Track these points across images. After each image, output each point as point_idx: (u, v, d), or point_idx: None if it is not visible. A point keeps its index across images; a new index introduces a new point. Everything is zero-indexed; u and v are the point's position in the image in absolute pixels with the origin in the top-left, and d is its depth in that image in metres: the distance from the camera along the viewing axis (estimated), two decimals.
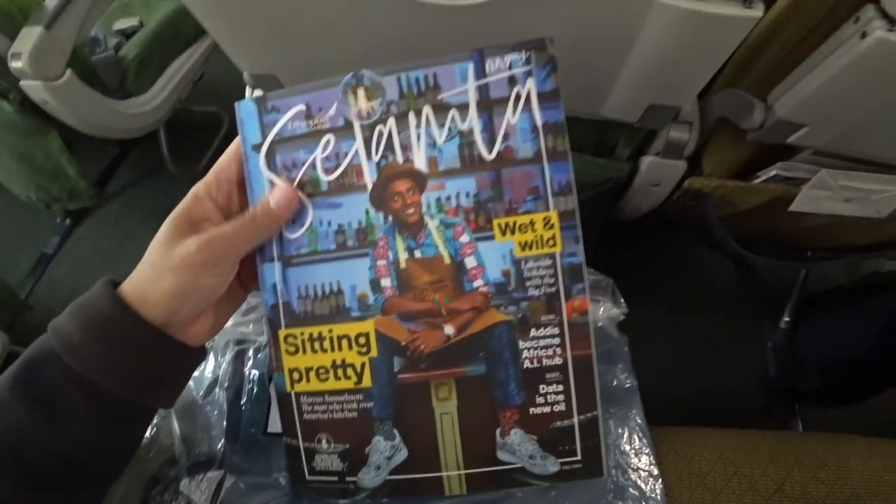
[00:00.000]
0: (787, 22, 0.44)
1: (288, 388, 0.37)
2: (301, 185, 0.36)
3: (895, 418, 1.10)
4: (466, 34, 0.43)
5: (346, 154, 0.36)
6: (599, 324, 0.49)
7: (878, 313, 0.91)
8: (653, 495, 0.39)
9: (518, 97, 0.34)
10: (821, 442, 0.66)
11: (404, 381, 0.36)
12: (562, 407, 0.35)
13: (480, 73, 0.34)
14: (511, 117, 0.34)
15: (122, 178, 1.53)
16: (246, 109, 0.37)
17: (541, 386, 0.35)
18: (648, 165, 0.63)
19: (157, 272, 0.33)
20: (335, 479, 0.37)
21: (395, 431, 0.36)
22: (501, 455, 0.36)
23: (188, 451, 0.44)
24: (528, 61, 0.34)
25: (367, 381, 0.36)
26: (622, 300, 0.48)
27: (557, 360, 0.35)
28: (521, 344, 0.35)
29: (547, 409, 0.35)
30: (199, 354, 0.37)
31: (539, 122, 0.34)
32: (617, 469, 0.40)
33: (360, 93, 0.35)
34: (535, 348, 0.35)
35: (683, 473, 0.62)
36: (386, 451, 0.36)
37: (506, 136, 0.34)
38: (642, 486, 0.39)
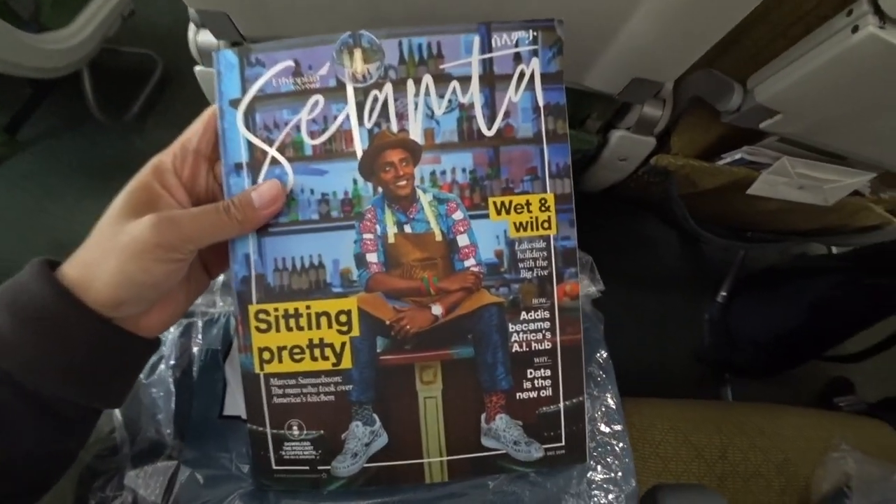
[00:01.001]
0: (778, 5, 0.43)
1: (256, 368, 0.34)
2: (282, 148, 0.33)
3: (811, 387, 1.22)
4: None
5: (335, 118, 0.33)
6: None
7: (805, 293, 0.99)
8: (623, 468, 0.40)
9: (522, 75, 0.33)
10: (759, 412, 0.71)
11: (387, 363, 0.34)
12: (548, 392, 0.35)
13: (486, 46, 0.33)
14: (513, 95, 0.33)
15: (38, 126, 1.36)
16: (225, 60, 0.33)
17: (528, 371, 0.35)
18: (618, 139, 0.63)
19: (103, 253, 0.28)
20: (306, 468, 0.35)
21: (375, 416, 0.34)
22: (486, 441, 0.35)
23: (131, 438, 0.39)
24: (534, 41, 0.33)
25: (346, 363, 0.34)
26: (599, 277, 0.47)
27: (546, 345, 0.34)
28: (511, 327, 0.34)
29: (534, 395, 0.35)
30: (152, 346, 0.33)
31: (541, 103, 0.33)
32: (594, 445, 0.41)
33: (357, 54, 0.33)
34: (525, 332, 0.34)
35: (638, 443, 0.64)
36: (364, 437, 0.34)
37: (507, 114, 0.33)
38: (614, 460, 0.40)
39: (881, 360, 1.02)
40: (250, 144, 0.33)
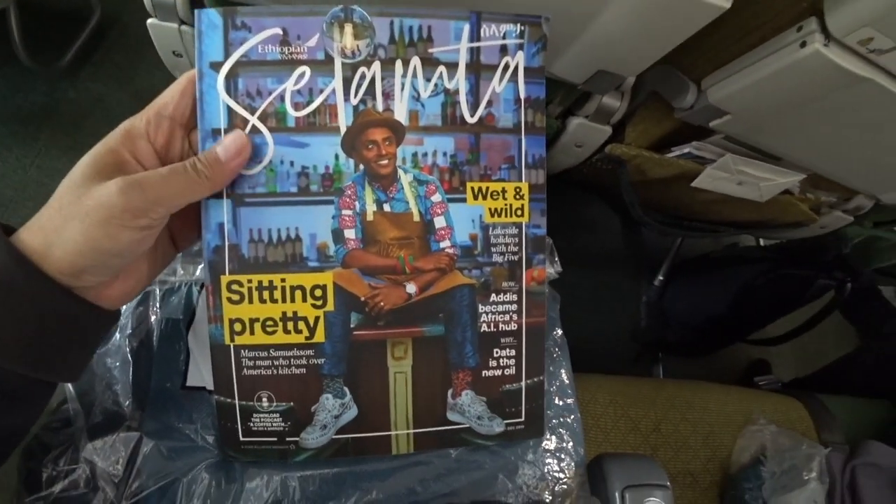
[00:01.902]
0: (736, 14, 0.46)
1: (227, 339, 0.34)
2: (264, 117, 0.32)
3: (735, 367, 1.32)
4: None
5: (321, 91, 0.32)
6: None
7: (735, 280, 1.07)
8: (574, 438, 0.43)
9: (507, 67, 0.34)
10: (689, 389, 0.77)
11: (360, 339, 0.35)
12: (512, 371, 0.37)
13: (475, 35, 0.33)
14: (497, 85, 0.34)
15: None
16: (208, 20, 0.31)
17: (495, 350, 0.36)
18: (576, 127, 0.65)
19: (64, 219, 0.26)
20: (274, 439, 0.35)
21: (346, 389, 0.35)
22: (451, 415, 0.37)
23: (86, 411, 0.38)
24: (521, 35, 0.34)
25: (319, 336, 0.34)
26: (557, 260, 0.50)
27: (513, 326, 0.36)
28: (481, 308, 0.36)
29: (498, 373, 0.37)
30: (112, 318, 0.31)
31: (522, 95, 0.34)
32: (549, 415, 0.44)
33: (348, 29, 0.32)
34: (494, 313, 0.36)
35: (581, 416, 0.68)
36: (334, 409, 0.35)
37: (489, 103, 0.34)
38: (566, 431, 0.43)
39: (796, 344, 1.13)
40: (230, 110, 0.32)
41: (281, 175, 0.33)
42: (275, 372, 0.34)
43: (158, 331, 0.43)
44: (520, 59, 0.34)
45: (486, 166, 0.35)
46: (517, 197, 0.35)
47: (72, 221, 0.26)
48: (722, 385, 0.81)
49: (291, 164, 0.33)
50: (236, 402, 0.34)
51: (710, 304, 1.10)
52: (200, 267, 0.44)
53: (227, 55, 0.32)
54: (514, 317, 0.36)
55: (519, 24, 0.34)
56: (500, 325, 0.36)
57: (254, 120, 0.32)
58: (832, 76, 0.43)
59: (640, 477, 0.43)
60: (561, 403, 0.45)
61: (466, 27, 0.33)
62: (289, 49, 0.32)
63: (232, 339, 0.34)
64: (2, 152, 1.15)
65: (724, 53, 0.50)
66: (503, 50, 0.34)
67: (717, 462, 0.73)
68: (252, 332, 0.34)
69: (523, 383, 0.37)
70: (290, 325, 0.34)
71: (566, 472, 0.42)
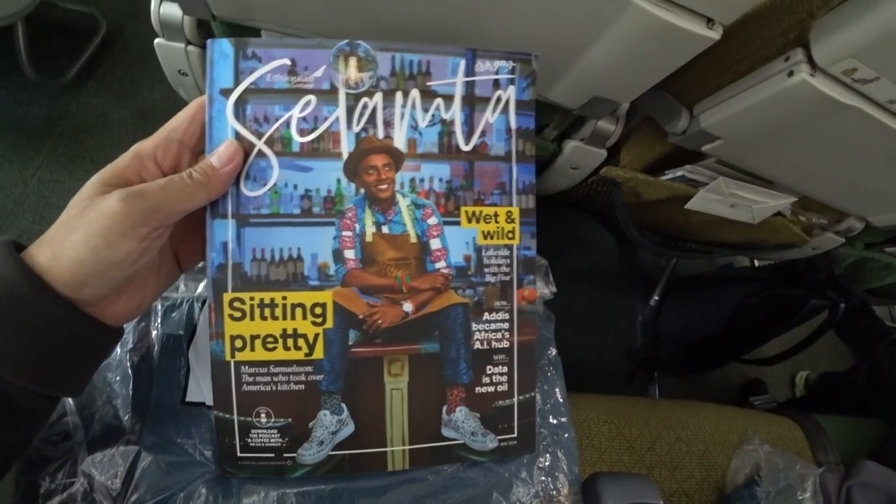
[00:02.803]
0: (725, 44, 0.48)
1: (227, 356, 0.34)
2: (270, 141, 0.34)
3: (731, 387, 1.33)
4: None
5: (325, 119, 0.34)
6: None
7: (728, 300, 1.08)
8: (568, 456, 0.43)
9: (499, 100, 0.36)
10: (684, 408, 0.77)
11: (358, 355, 0.36)
12: (504, 387, 0.38)
13: (470, 70, 0.36)
14: (490, 116, 0.36)
15: None
16: (220, 49, 0.33)
17: (488, 367, 0.37)
18: (572, 149, 0.66)
19: (69, 230, 0.27)
20: (271, 455, 0.35)
21: (343, 405, 0.36)
22: (445, 431, 0.37)
23: (85, 424, 0.38)
24: (513, 70, 0.36)
25: (318, 353, 0.35)
26: (552, 280, 0.51)
27: (505, 344, 0.37)
28: (474, 326, 0.37)
29: (491, 389, 0.37)
30: (116, 335, 0.32)
31: (513, 126, 0.37)
32: (544, 434, 0.44)
33: (352, 61, 0.34)
34: (487, 331, 0.37)
35: (575, 435, 0.69)
36: (332, 425, 0.36)
37: (483, 133, 0.36)
38: (559, 449, 0.43)
39: (791, 364, 1.13)
40: (238, 135, 0.33)
41: (285, 197, 0.34)
42: (274, 388, 0.35)
43: (159, 346, 0.43)
44: (511, 92, 0.36)
45: (480, 191, 0.36)
46: (508, 220, 0.37)
47: (75, 232, 0.27)
48: (717, 405, 0.81)
49: (295, 187, 0.34)
50: (235, 417, 0.35)
51: (704, 324, 1.11)
52: (202, 284, 0.45)
53: (237, 82, 0.33)
54: (507, 335, 0.37)
55: (511, 61, 0.36)
56: (493, 343, 0.37)
57: (260, 144, 0.33)
58: (818, 104, 0.45)
59: (634, 495, 0.43)
60: (555, 422, 0.45)
61: (462, 63, 0.35)
62: (296, 79, 0.34)
63: (233, 356, 0.34)
64: (3, 164, 1.16)
65: (715, 80, 0.51)
66: (496, 84, 0.36)
67: (711, 482, 0.73)
68: (252, 349, 0.34)
69: (515, 399, 0.38)
70: (290, 342, 0.35)
71: (560, 490, 0.42)
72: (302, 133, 0.34)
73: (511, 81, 0.36)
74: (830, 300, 0.93)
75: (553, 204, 0.90)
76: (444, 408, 0.37)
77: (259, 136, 0.33)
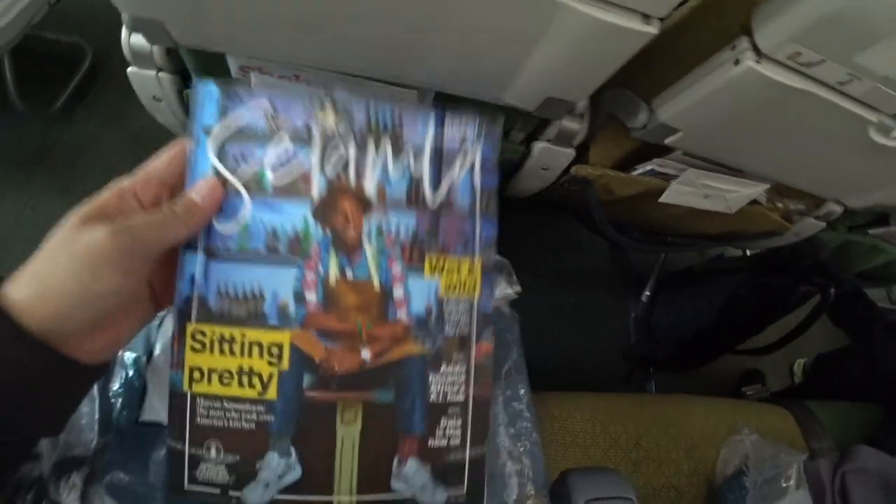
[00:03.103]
0: (676, 38, 0.48)
1: (185, 386, 0.34)
2: (245, 180, 0.35)
3: (728, 379, 1.32)
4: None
5: (299, 161, 0.35)
6: (495, 304, 0.51)
7: (720, 292, 1.07)
8: (534, 468, 0.43)
9: (465, 157, 0.37)
10: (670, 402, 0.77)
11: (311, 399, 0.35)
12: (457, 441, 0.37)
13: (439, 127, 0.37)
14: (457, 173, 0.37)
15: None
16: (206, 90, 0.34)
17: (442, 419, 0.37)
18: (540, 151, 0.67)
19: (54, 264, 0.28)
20: (217, 491, 0.35)
21: (292, 449, 0.35)
22: (395, 483, 0.37)
23: (53, 445, 0.39)
24: (479, 131, 0.38)
25: (271, 394, 0.35)
26: (516, 279, 0.51)
27: (460, 397, 0.37)
28: (431, 378, 0.37)
29: (444, 443, 0.37)
30: (93, 372, 0.32)
31: (478, 184, 0.38)
32: (504, 451, 0.43)
33: (329, 109, 0.35)
34: (443, 384, 0.37)
35: (559, 434, 0.69)
36: (279, 468, 0.35)
37: (450, 188, 0.37)
38: (527, 462, 0.43)
39: (788, 352, 1.12)
40: (217, 171, 0.34)
41: (253, 234, 0.35)
42: (226, 424, 0.35)
43: (121, 368, 0.44)
44: (477, 151, 0.37)
45: (444, 242, 0.37)
46: (470, 273, 0.37)
47: (59, 266, 0.28)
48: (705, 397, 0.81)
49: (264, 224, 0.35)
50: (186, 448, 0.34)
51: (696, 318, 1.11)
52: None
53: (219, 122, 0.34)
54: (463, 388, 0.37)
55: (478, 122, 0.38)
56: (449, 396, 0.37)
57: (236, 182, 0.34)
58: (769, 90, 0.45)
59: (604, 490, 0.43)
60: (517, 428, 0.45)
61: (433, 119, 0.37)
62: (275, 122, 0.35)
63: (190, 387, 0.34)
64: None
65: (669, 74, 0.52)
66: (463, 142, 0.37)
67: (700, 475, 0.73)
68: (209, 382, 0.34)
69: (467, 453, 0.37)
70: (244, 379, 0.35)
71: (528, 494, 0.42)
72: (276, 173, 0.35)
73: (477, 140, 0.38)
74: (819, 286, 0.93)
75: (539, 205, 0.90)
76: (396, 459, 0.36)
77: (236, 174, 0.34)
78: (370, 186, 0.36)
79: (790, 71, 0.44)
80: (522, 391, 0.46)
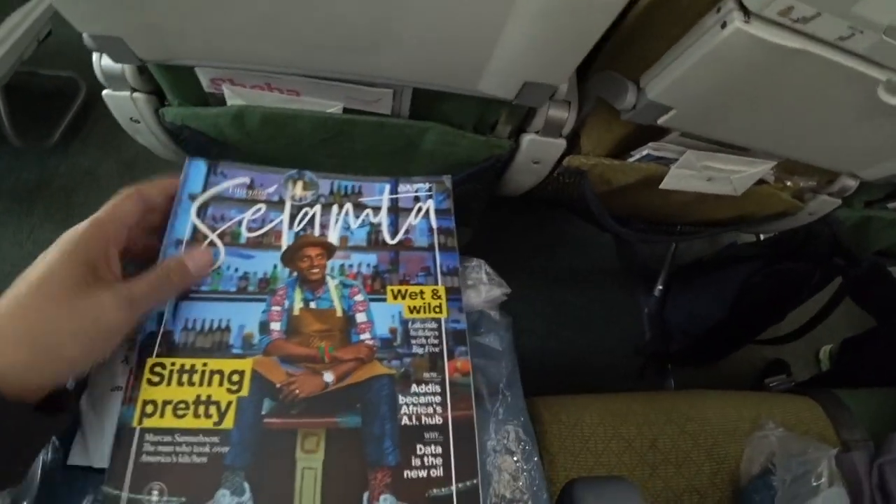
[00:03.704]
0: (657, 10, 0.45)
1: (135, 422, 0.32)
2: (222, 235, 0.40)
3: (748, 370, 1.26)
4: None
5: (271, 221, 0.41)
6: (480, 308, 0.48)
7: (734, 280, 1.03)
8: (535, 487, 0.39)
9: (420, 209, 0.43)
10: (685, 399, 0.73)
11: (270, 427, 0.33)
12: (439, 472, 0.33)
13: (394, 190, 0.44)
14: (413, 220, 0.43)
15: None
16: (196, 166, 0.42)
17: (418, 446, 0.34)
18: (529, 143, 0.64)
19: (55, 333, 0.28)
20: None
21: (246, 485, 0.32)
22: None
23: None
24: (430, 190, 0.44)
25: (228, 423, 0.33)
26: (502, 280, 0.47)
27: (438, 420, 0.35)
28: (401, 399, 0.35)
29: (423, 473, 0.33)
30: (62, 421, 0.31)
31: (434, 226, 0.43)
32: (500, 471, 0.38)
33: (299, 184, 0.43)
34: (416, 405, 0.35)
35: (567, 441, 0.65)
36: None
37: (407, 231, 0.42)
38: (525, 483, 0.39)
39: (812, 339, 1.07)
40: (195, 228, 0.39)
41: (225, 278, 0.38)
42: (174, 459, 0.32)
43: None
44: (430, 204, 0.43)
45: (405, 274, 0.40)
46: (434, 297, 0.39)
47: (64, 332, 0.28)
48: (723, 391, 0.76)
49: (236, 269, 0.38)
50: (124, 494, 0.31)
51: (711, 309, 1.06)
52: None
53: (204, 191, 0.41)
54: (439, 409, 0.35)
55: (427, 183, 0.44)
56: (424, 418, 0.34)
57: (213, 236, 0.39)
58: (761, 53, 0.42)
59: (609, 500, 0.39)
60: (518, 455, 0.40)
61: (387, 186, 0.43)
62: (252, 192, 0.42)
63: (140, 422, 0.33)
64: None
65: (654, 48, 0.49)
66: (416, 199, 0.44)
67: (724, 475, 0.68)
68: (162, 415, 0.33)
69: (454, 488, 0.33)
70: (201, 409, 0.33)
71: None
72: (250, 230, 0.40)
73: (429, 196, 0.43)
74: (838, 268, 0.88)
75: (540, 204, 0.87)
76: (366, 495, 0.32)
77: (213, 230, 0.39)
78: (333, 237, 0.41)
79: (783, 29, 0.41)
80: (518, 408, 0.42)
